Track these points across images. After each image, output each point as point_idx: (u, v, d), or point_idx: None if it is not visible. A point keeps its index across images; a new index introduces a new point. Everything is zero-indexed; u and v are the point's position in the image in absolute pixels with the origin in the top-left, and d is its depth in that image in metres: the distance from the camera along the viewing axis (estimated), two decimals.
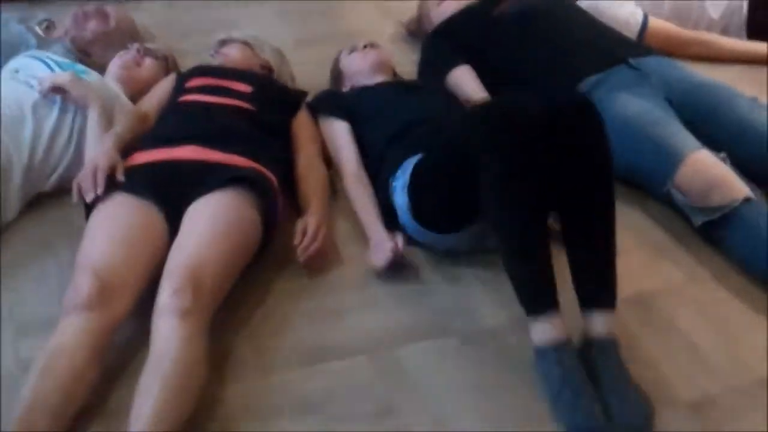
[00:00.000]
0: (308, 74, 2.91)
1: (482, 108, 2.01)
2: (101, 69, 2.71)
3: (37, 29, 2.90)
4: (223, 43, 2.83)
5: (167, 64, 2.78)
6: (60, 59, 2.60)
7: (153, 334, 1.69)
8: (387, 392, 1.79)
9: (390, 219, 2.21)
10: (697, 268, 2.21)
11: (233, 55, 2.74)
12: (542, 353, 1.74)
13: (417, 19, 3.33)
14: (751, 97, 2.52)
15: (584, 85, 2.57)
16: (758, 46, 3.28)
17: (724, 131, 2.41)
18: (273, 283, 2.11)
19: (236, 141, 2.22)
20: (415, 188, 2.10)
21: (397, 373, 1.85)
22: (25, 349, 1.86)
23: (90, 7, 3.02)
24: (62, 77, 2.39)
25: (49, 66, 2.50)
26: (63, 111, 2.39)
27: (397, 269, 2.11)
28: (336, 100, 2.62)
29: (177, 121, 2.35)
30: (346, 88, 2.77)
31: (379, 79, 2.70)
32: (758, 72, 3.16)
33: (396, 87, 2.67)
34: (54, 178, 2.38)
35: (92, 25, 2.95)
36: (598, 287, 1.83)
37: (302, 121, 2.55)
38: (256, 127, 2.35)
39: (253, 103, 2.41)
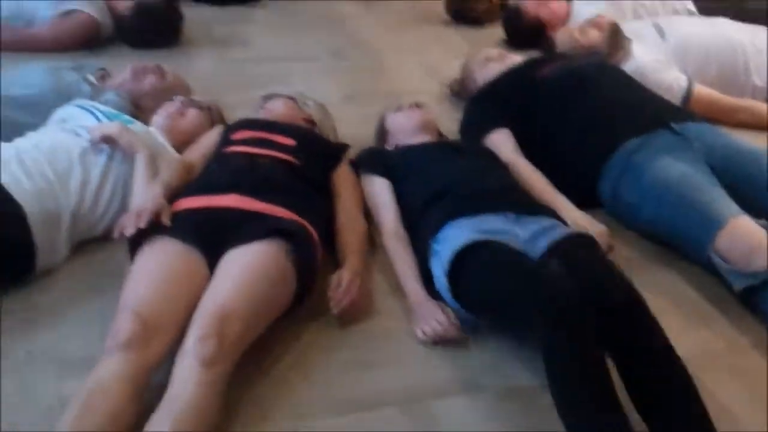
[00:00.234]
0: (354, 130, 2.97)
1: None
2: (148, 121, 2.79)
3: (91, 78, 3.01)
4: (269, 98, 2.90)
5: (211, 115, 2.85)
6: (106, 109, 2.68)
7: (173, 374, 1.72)
8: None
9: (427, 280, 2.22)
10: (736, 335, 2.19)
11: (278, 109, 2.81)
12: None
13: (461, 80, 3.39)
14: None
15: (626, 147, 2.59)
16: None
17: (766, 198, 2.40)
18: (307, 333, 2.13)
19: (278, 192, 2.26)
20: (455, 278, 2.10)
21: (430, 426, 1.85)
22: (67, 387, 1.89)
23: (149, 63, 3.14)
24: (111, 127, 2.48)
25: (95, 116, 2.58)
26: (110, 159, 2.46)
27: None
28: (378, 158, 2.65)
29: (221, 171, 2.40)
30: (390, 146, 2.81)
31: (422, 138, 2.74)
32: None
33: (438, 147, 2.71)
34: (102, 225, 2.44)
35: (150, 80, 3.05)
36: None
37: (343, 173, 2.59)
38: (299, 180, 2.39)
39: (296, 156, 2.45)
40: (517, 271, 1.95)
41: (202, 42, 4.08)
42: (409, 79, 3.73)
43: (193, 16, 4.26)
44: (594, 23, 3.45)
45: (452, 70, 3.49)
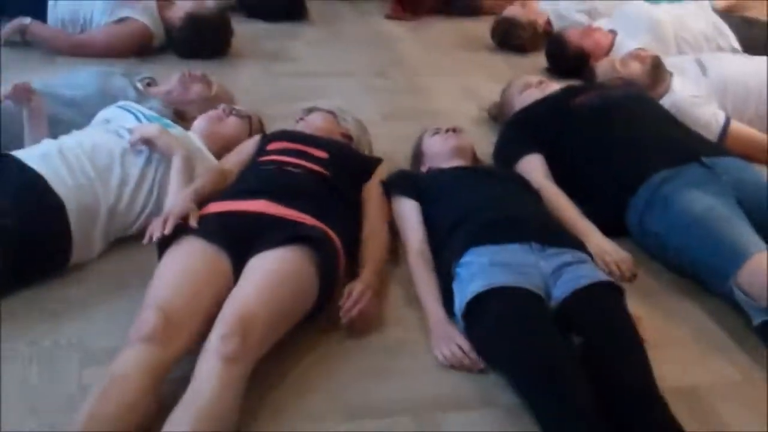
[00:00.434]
0: (390, 147, 3.01)
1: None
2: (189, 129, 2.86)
3: (139, 85, 3.10)
4: (309, 111, 2.97)
5: (250, 123, 2.92)
6: (148, 112, 2.77)
7: (195, 371, 1.77)
8: None
9: (446, 299, 2.25)
10: (753, 367, 2.18)
11: (317, 123, 2.87)
12: None
13: (500, 104, 3.42)
14: None
15: (655, 179, 2.60)
16: None
17: None
18: (326, 340, 2.17)
19: (306, 200, 2.31)
20: (470, 323, 2.14)
21: None
22: (88, 376, 1.97)
23: (197, 72, 3.22)
24: (150, 129, 2.55)
25: (137, 118, 2.67)
26: (148, 161, 2.53)
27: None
28: (408, 181, 2.68)
29: (253, 178, 2.47)
30: (424, 168, 2.84)
31: (456, 163, 2.76)
32: None
33: (470, 171, 2.73)
34: (137, 224, 2.51)
35: (196, 89, 3.14)
36: None
37: (372, 187, 2.64)
38: (328, 191, 2.44)
39: (329, 168, 2.50)
40: (524, 348, 1.97)
41: (249, 55, 4.17)
42: (449, 101, 3.77)
43: (243, 30, 4.36)
44: (636, 56, 3.47)
45: (492, 94, 3.52)
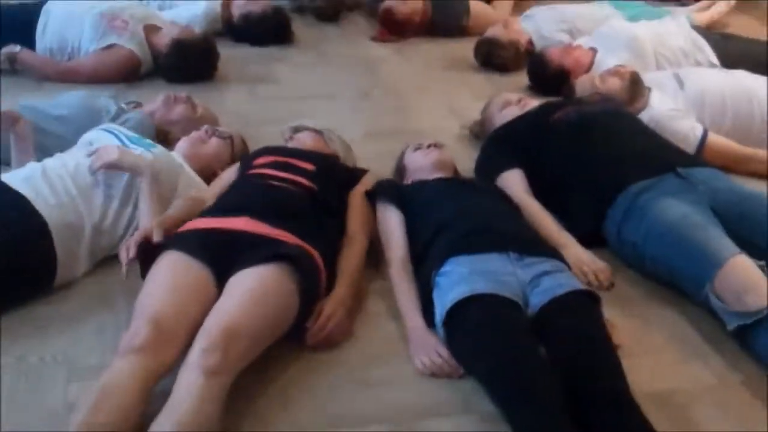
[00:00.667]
0: (374, 166, 3.01)
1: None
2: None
3: (124, 106, 3.15)
4: (297, 129, 3.01)
5: (232, 143, 2.96)
6: (130, 134, 2.81)
7: (176, 383, 1.81)
8: None
9: (427, 309, 2.29)
10: (728, 372, 2.23)
11: (305, 141, 2.91)
12: None
13: (480, 122, 3.48)
14: None
15: (632, 190, 2.65)
16: None
17: (765, 241, 2.44)
18: (307, 351, 2.21)
19: (289, 218, 2.35)
20: (449, 332, 2.18)
21: None
22: (73, 393, 2.01)
23: (182, 94, 3.28)
24: (110, 154, 2.54)
25: (120, 140, 2.71)
26: (132, 178, 2.56)
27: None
28: (394, 190, 2.73)
29: (237, 193, 2.52)
30: (407, 182, 2.90)
31: (438, 175, 2.81)
32: None
33: (451, 183, 2.79)
34: (124, 240, 2.52)
35: (180, 109, 3.20)
36: None
37: (357, 194, 2.68)
38: (314, 206, 2.48)
39: (315, 181, 2.55)
40: (501, 357, 2.01)
41: (235, 78, 4.22)
42: (432, 120, 3.81)
43: (230, 54, 4.40)
44: (615, 72, 3.52)
45: (476, 113, 3.57)
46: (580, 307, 2.20)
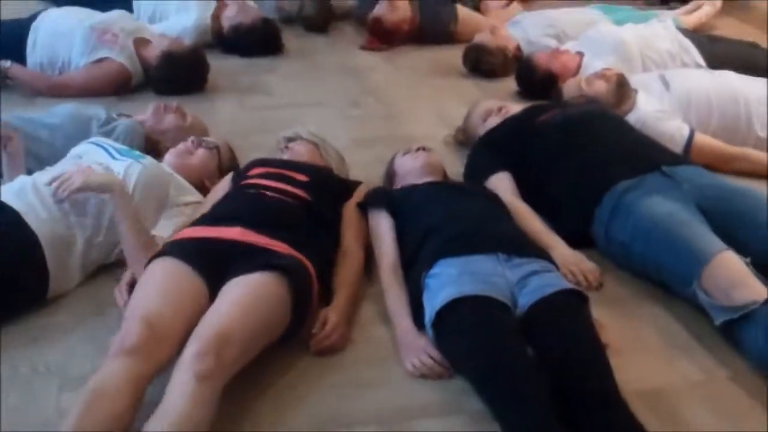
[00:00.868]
0: (364, 174, 3.06)
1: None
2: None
3: (114, 116, 3.18)
4: (292, 139, 3.02)
5: (219, 153, 2.97)
6: (118, 146, 2.83)
7: (169, 386, 1.82)
8: None
9: (417, 311, 2.31)
10: (716, 367, 2.25)
11: (300, 151, 2.92)
12: None
13: (463, 130, 3.52)
14: None
15: (618, 189, 2.67)
16: None
17: (753, 236, 2.47)
18: (298, 356, 2.24)
19: (282, 228, 2.36)
20: (439, 333, 2.20)
21: None
22: (66, 401, 2.02)
23: (172, 103, 3.31)
24: (74, 180, 2.45)
25: (109, 152, 2.72)
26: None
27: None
28: (384, 196, 2.75)
29: (231, 203, 2.53)
30: (396, 187, 2.92)
31: (427, 179, 2.84)
32: None
33: (440, 186, 2.82)
34: (116, 251, 2.57)
35: (170, 118, 3.23)
36: None
37: (351, 207, 2.71)
38: (307, 217, 2.50)
39: (309, 192, 2.57)
40: (490, 357, 2.03)
41: (225, 89, 4.25)
42: (422, 127, 3.84)
43: (220, 65, 4.44)
44: (601, 75, 3.55)
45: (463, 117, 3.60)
46: (568, 307, 2.21)
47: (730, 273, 2.29)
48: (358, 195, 2.77)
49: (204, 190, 2.81)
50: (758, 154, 3.36)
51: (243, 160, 3.01)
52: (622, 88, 3.46)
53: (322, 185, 2.66)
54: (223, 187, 2.74)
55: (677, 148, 3.22)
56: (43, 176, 2.59)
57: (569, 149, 2.91)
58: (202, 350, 1.87)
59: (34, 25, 4.14)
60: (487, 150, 3.14)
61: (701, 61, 4.10)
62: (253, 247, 2.27)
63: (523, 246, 2.42)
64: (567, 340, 2.10)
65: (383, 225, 2.63)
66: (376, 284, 2.51)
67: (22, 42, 4.08)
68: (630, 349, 2.28)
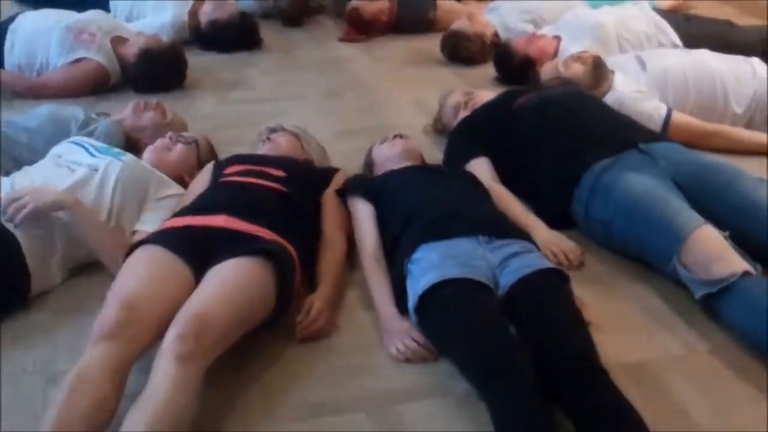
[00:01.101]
0: (345, 164, 3.06)
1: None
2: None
3: (93, 116, 3.18)
4: (274, 130, 3.03)
5: (198, 147, 2.98)
6: (98, 144, 2.83)
7: (152, 372, 1.82)
8: None
9: (400, 297, 2.33)
10: (697, 341, 2.28)
11: (282, 143, 2.94)
12: None
13: (439, 120, 3.55)
14: (758, 178, 2.62)
15: (596, 168, 2.70)
16: None
17: (730, 209, 2.50)
18: (283, 343, 2.26)
19: (265, 215, 2.38)
20: (422, 317, 2.22)
21: (394, 428, 1.97)
22: (53, 397, 2.01)
23: (152, 100, 3.32)
24: (25, 207, 2.38)
25: (88, 150, 2.72)
26: (101, 189, 2.59)
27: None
28: (363, 183, 2.77)
29: (213, 195, 2.55)
30: (376, 175, 2.94)
31: (406, 164, 2.86)
32: None
33: (419, 170, 2.84)
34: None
35: (149, 115, 3.24)
36: None
37: (328, 197, 2.72)
38: (287, 208, 2.51)
39: (287, 185, 2.57)
40: (474, 339, 2.04)
41: (204, 85, 4.25)
42: (401, 116, 3.86)
43: (198, 61, 4.44)
44: (577, 57, 3.57)
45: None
46: (549, 286, 2.23)
47: (708, 247, 2.32)
48: (337, 182, 2.78)
49: (184, 184, 2.80)
50: (735, 131, 3.40)
51: (224, 155, 3.02)
52: (598, 70, 3.48)
53: (300, 178, 2.67)
54: (204, 177, 2.74)
55: (655, 127, 3.25)
56: (21, 177, 2.60)
57: (546, 132, 2.93)
58: (181, 332, 1.86)
59: (11, 27, 4.13)
60: (465, 136, 3.16)
61: (677, 41, 4.13)
62: (237, 233, 2.28)
63: (503, 227, 2.44)
64: (549, 318, 2.11)
65: (363, 212, 2.64)
66: (360, 271, 2.52)
67: (0, 45, 4.08)
68: (612, 325, 2.30)
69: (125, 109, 3.27)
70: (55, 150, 2.78)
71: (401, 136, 3.00)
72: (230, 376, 2.08)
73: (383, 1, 5.05)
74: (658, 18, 4.26)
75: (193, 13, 4.83)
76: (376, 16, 5.02)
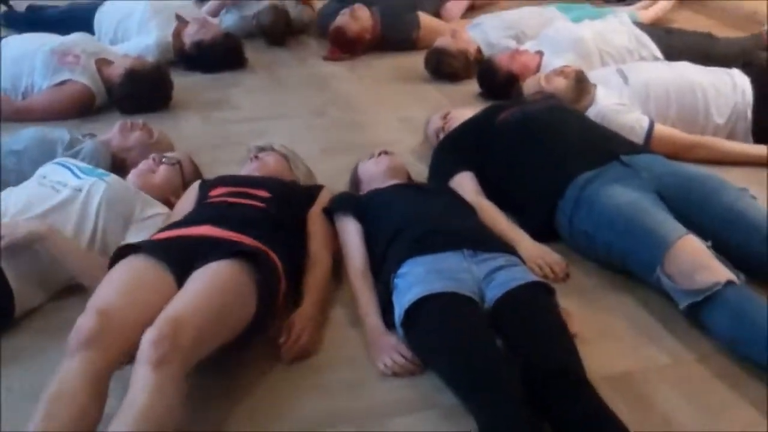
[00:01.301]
0: (330, 182, 3.07)
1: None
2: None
3: (79, 137, 3.18)
4: (263, 149, 3.04)
5: (182, 168, 2.98)
6: (83, 165, 2.83)
7: (131, 380, 1.81)
8: None
9: (387, 312, 2.34)
10: (683, 350, 2.29)
11: (270, 162, 2.95)
12: None
13: (426, 138, 3.59)
14: (740, 188, 2.64)
15: (579, 181, 2.72)
16: (761, 149, 3.39)
17: (713, 220, 2.53)
18: (270, 358, 2.26)
19: (249, 227, 2.38)
20: (408, 331, 2.23)
21: None
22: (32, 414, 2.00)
23: (138, 121, 3.33)
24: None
25: (73, 172, 2.72)
26: (85, 210, 2.59)
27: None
28: (350, 201, 2.78)
29: (198, 211, 2.57)
30: (362, 193, 2.95)
31: (391, 182, 2.87)
32: (763, 173, 3.25)
33: (405, 188, 2.85)
34: None
35: (136, 135, 3.24)
36: None
37: (314, 214, 2.72)
38: (272, 224, 2.51)
39: (272, 206, 2.58)
40: (460, 352, 2.06)
41: (190, 105, 4.25)
42: (387, 133, 3.87)
43: (184, 82, 4.45)
44: (560, 72, 3.60)
45: None
46: (535, 298, 2.25)
47: (692, 257, 2.34)
48: (322, 200, 2.79)
49: (170, 205, 2.81)
50: (717, 141, 3.43)
51: (209, 175, 3.02)
52: (580, 84, 3.51)
53: (284, 198, 2.67)
54: (190, 196, 2.74)
55: (638, 139, 3.27)
56: (6, 198, 2.60)
57: (529, 146, 2.95)
58: (155, 337, 1.84)
59: None
60: (450, 151, 3.19)
61: (659, 54, 4.16)
62: (220, 239, 2.28)
63: (488, 241, 2.46)
64: (535, 331, 2.13)
65: (350, 229, 2.65)
66: (347, 287, 2.53)
67: None
68: (597, 337, 2.32)
69: (111, 130, 3.28)
70: (40, 171, 2.78)
71: (387, 153, 3.01)
72: (218, 394, 2.08)
73: (367, 20, 5.07)
74: (638, 31, 4.29)
75: (177, 35, 4.84)
76: (360, 35, 5.04)
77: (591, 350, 2.15)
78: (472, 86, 4.37)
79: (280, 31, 5.32)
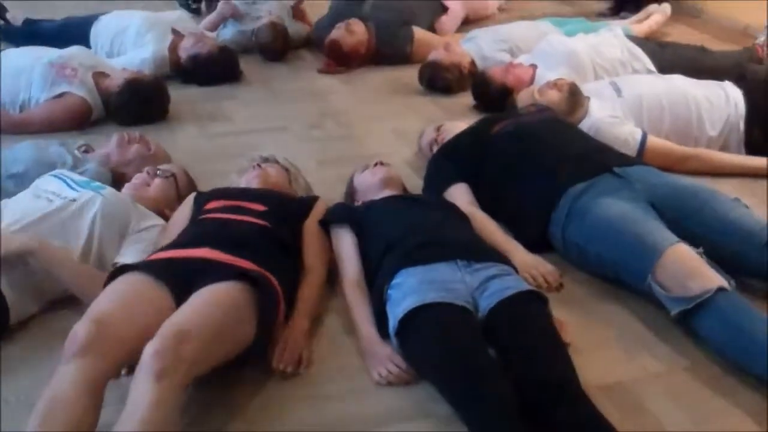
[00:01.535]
0: (326, 193, 3.08)
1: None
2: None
3: (76, 152, 3.20)
4: (267, 159, 3.06)
5: (176, 180, 3.00)
6: (78, 177, 2.84)
7: (130, 390, 1.82)
8: None
9: (381, 322, 2.36)
10: (675, 358, 2.31)
11: (271, 173, 2.96)
12: None
13: (419, 150, 3.62)
14: (733, 198, 2.67)
15: (572, 192, 2.74)
16: (754, 160, 3.43)
17: (706, 229, 2.55)
18: (271, 377, 2.26)
19: (247, 249, 2.39)
20: (402, 341, 2.25)
21: None
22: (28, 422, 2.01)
23: (135, 133, 3.34)
24: None
25: (67, 183, 2.74)
26: (79, 222, 2.60)
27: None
28: (345, 212, 2.81)
29: (195, 231, 2.57)
30: (358, 203, 2.97)
31: (386, 193, 2.89)
32: (756, 184, 3.29)
33: (399, 199, 2.87)
34: None
35: (134, 148, 3.26)
36: None
37: (311, 225, 2.74)
38: (268, 241, 2.53)
39: (267, 219, 2.60)
40: (454, 362, 2.07)
41: (186, 118, 4.28)
42: (382, 145, 3.89)
43: (180, 95, 4.47)
44: (553, 84, 3.63)
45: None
46: (528, 308, 2.27)
47: (683, 264, 2.36)
48: (317, 212, 2.80)
49: (165, 218, 2.82)
50: (710, 153, 3.46)
51: (204, 187, 3.04)
52: (574, 96, 3.54)
53: (280, 211, 2.68)
54: (185, 210, 2.76)
55: (631, 151, 3.29)
56: (2, 208, 2.61)
57: (523, 157, 2.98)
58: (159, 348, 1.85)
59: None
60: (444, 162, 3.21)
61: (652, 67, 4.19)
62: (219, 263, 2.29)
63: (481, 251, 2.48)
64: (528, 341, 2.15)
65: (345, 241, 2.67)
66: (342, 298, 2.55)
67: None
68: (591, 346, 2.34)
69: (109, 143, 3.29)
70: (36, 183, 2.79)
71: (383, 164, 3.03)
72: (212, 406, 2.09)
73: (362, 34, 5.10)
74: (631, 45, 4.32)
75: (173, 48, 4.86)
76: (355, 49, 5.07)
77: (584, 359, 2.17)
78: (467, 99, 4.40)
79: (278, 49, 5.34)
